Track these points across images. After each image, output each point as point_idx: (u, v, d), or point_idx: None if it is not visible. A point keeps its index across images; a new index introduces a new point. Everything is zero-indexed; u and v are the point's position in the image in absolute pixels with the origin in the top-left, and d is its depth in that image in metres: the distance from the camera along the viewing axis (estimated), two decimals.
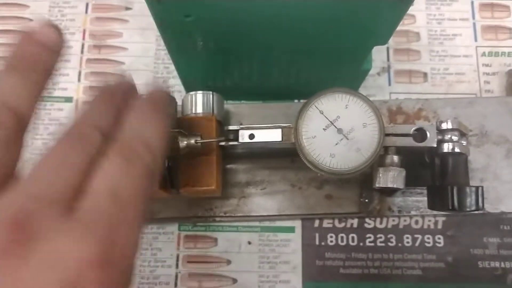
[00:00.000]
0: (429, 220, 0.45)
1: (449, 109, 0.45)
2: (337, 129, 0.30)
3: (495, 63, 0.48)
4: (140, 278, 0.43)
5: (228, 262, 0.44)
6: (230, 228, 0.44)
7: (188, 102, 0.39)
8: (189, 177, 0.36)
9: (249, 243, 0.44)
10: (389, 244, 0.44)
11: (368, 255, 0.44)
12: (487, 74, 0.48)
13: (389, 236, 0.44)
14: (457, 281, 0.43)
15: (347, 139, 0.29)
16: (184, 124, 0.38)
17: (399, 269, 0.44)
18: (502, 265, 0.43)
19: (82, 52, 0.49)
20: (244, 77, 0.42)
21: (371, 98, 0.46)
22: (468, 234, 0.44)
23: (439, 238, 0.44)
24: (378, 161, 0.32)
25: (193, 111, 0.39)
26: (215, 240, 0.44)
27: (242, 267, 0.43)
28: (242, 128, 0.32)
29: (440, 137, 0.31)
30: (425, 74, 0.48)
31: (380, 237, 0.44)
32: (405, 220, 0.45)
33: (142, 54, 0.49)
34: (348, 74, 0.41)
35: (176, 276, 0.43)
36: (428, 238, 0.44)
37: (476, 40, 0.49)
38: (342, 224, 0.45)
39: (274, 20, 0.31)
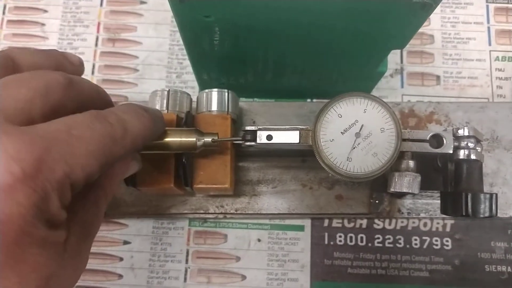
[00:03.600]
0: (438, 223, 0.45)
1: (461, 113, 0.45)
2: (355, 133, 0.30)
3: (508, 68, 0.48)
4: (149, 272, 0.44)
5: (237, 258, 0.44)
6: (240, 225, 0.45)
7: (203, 100, 0.39)
8: (203, 175, 0.37)
9: (259, 240, 0.45)
10: (397, 245, 0.45)
11: (376, 256, 0.44)
12: (500, 78, 0.48)
13: (397, 237, 0.45)
14: (464, 285, 0.44)
15: (365, 143, 0.30)
16: (199, 121, 0.38)
17: (406, 270, 0.44)
18: (509, 269, 0.44)
19: (96, 45, 0.49)
20: (258, 76, 0.42)
21: (384, 100, 0.47)
22: (475, 237, 0.45)
23: (447, 241, 0.45)
24: (394, 165, 0.32)
25: (208, 109, 0.39)
26: (225, 236, 0.44)
27: (251, 264, 0.44)
28: (260, 129, 0.32)
29: (456, 143, 0.31)
30: (438, 77, 0.48)
31: (389, 238, 0.45)
32: (413, 222, 0.45)
33: (156, 48, 0.49)
34: (363, 76, 0.41)
35: (186, 271, 0.44)
36: (436, 240, 0.45)
37: (490, 44, 0.49)
38: (351, 224, 0.45)
39: (292, 21, 0.31)
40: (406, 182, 0.31)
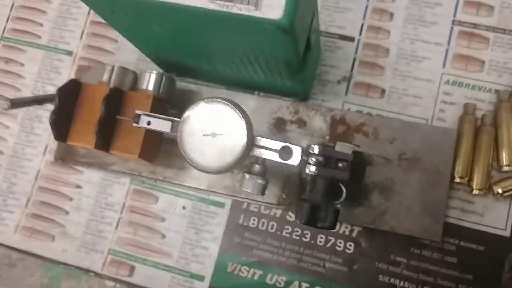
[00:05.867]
0: (346, 227, 0.48)
1: (389, 129, 0.47)
2: (211, 132, 0.34)
3: (456, 93, 0.48)
4: (90, 215, 0.51)
5: (162, 219, 0.50)
6: (171, 192, 0.51)
7: (141, 79, 0.46)
8: (119, 143, 0.43)
9: (184, 208, 0.51)
10: (303, 239, 0.48)
11: (281, 244, 0.49)
12: (445, 102, 0.48)
13: (305, 232, 0.49)
14: (354, 287, 0.47)
15: (218, 143, 0.34)
16: (126, 97, 0.44)
17: (305, 262, 0.48)
18: (401, 284, 0.46)
19: (88, 14, 0.56)
20: (196, 64, 0.47)
21: (324, 104, 0.50)
22: (379, 247, 0.47)
23: (350, 245, 0.48)
24: (248, 167, 0.36)
25: (144, 87, 0.45)
26: (157, 198, 0.51)
27: (172, 227, 0.50)
28: (144, 114, 0.37)
29: (305, 158, 0.35)
30: (383, 91, 0.50)
31: (297, 231, 0.49)
32: None
33: None
34: (287, 80, 0.44)
35: (118, 221, 0.51)
36: (340, 242, 0.48)
37: (444, 66, 0.49)
38: (267, 212, 0.49)
39: (178, 20, 0.36)
40: (252, 183, 0.35)
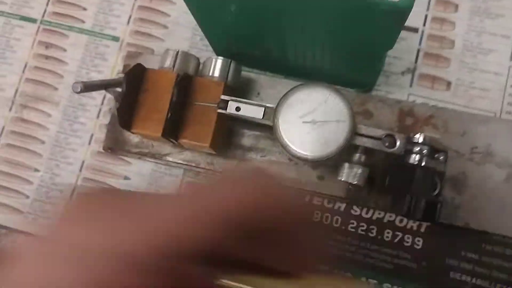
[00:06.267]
0: (414, 222, 0.46)
1: (459, 122, 0.46)
2: (311, 119, 0.32)
3: None
4: None
5: None
6: None
7: (207, 65, 0.43)
8: (189, 131, 0.41)
9: None
10: (370, 234, 0.47)
11: (347, 239, 0.47)
12: None
13: (371, 226, 0.47)
14: (424, 284, 0.45)
15: (319, 130, 0.32)
16: (195, 84, 0.42)
17: (372, 258, 0.46)
18: (473, 281, 0.45)
19: None
20: (265, 50, 0.45)
21: (389, 95, 0.48)
22: (448, 244, 0.46)
23: (418, 241, 0.46)
24: (346, 156, 0.34)
25: (210, 74, 0.43)
26: None
27: None
28: (232, 100, 0.35)
29: (410, 147, 0.33)
30: (449, 83, 0.48)
31: (362, 226, 0.47)
32: (390, 216, 0.47)
33: (187, 10, 0.52)
34: (361, 70, 0.42)
35: None
36: (408, 238, 0.46)
37: (511, 59, 0.48)
38: (330, 205, 0.48)
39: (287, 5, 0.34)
40: (353, 173, 0.33)
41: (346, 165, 0.33)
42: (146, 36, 0.53)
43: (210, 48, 0.51)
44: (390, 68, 0.49)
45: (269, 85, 0.48)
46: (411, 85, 0.49)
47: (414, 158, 0.33)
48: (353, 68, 0.43)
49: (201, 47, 0.52)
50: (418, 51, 0.49)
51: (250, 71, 0.49)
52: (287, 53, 0.44)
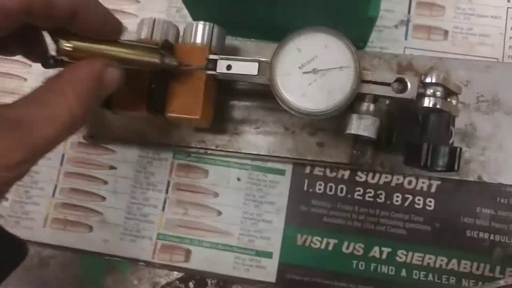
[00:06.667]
0: (423, 182, 0.44)
1: (463, 71, 0.43)
2: (312, 68, 0.29)
3: None
4: (130, 198, 0.45)
5: (215, 194, 0.45)
6: (222, 163, 0.45)
7: (188, 31, 0.39)
8: (175, 104, 0.37)
9: (238, 179, 0.45)
10: (378, 200, 0.44)
11: (354, 208, 0.44)
12: None
13: (378, 192, 0.44)
14: (441, 247, 0.42)
15: (321, 80, 0.29)
16: (177, 51, 0.38)
17: (383, 226, 0.43)
18: (491, 237, 0.42)
19: None
20: (250, 11, 0.41)
21: (384, 51, 0.45)
22: (461, 201, 0.43)
23: (430, 201, 0.43)
24: (354, 108, 0.31)
25: (192, 41, 0.39)
26: (206, 172, 0.45)
27: (228, 202, 0.44)
28: (221, 59, 0.32)
29: (422, 90, 0.30)
30: (446, 32, 0.45)
31: (370, 192, 0.44)
32: (398, 179, 0.44)
33: None
34: (353, 21, 0.39)
35: (165, 201, 0.45)
36: (419, 199, 0.43)
37: (509, 0, 0.45)
38: (333, 174, 0.44)
39: None
40: (363, 125, 0.30)
41: (355, 116, 0.30)
42: (119, 13, 0.49)
43: (189, 19, 0.47)
44: (382, 22, 0.46)
45: (256, 50, 0.45)
46: (406, 38, 0.46)
47: (428, 101, 0.30)
48: (344, 24, 0.39)
49: (179, 19, 0.48)
50: (411, 1, 0.46)
51: (233, 39, 0.46)
52: (275, 11, 0.40)
